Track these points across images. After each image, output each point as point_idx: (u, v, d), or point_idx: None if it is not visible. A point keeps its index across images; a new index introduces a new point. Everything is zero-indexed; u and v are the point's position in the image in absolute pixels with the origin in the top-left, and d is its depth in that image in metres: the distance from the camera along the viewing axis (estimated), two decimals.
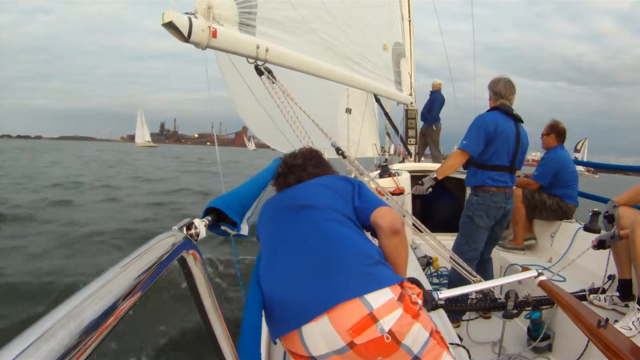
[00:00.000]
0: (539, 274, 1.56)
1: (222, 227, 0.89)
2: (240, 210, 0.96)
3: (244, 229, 0.97)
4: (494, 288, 1.83)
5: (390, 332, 0.90)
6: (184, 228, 0.69)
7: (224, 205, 0.88)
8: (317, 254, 1.03)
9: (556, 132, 3.09)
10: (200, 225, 0.73)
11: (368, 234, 1.19)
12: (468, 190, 2.81)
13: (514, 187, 3.21)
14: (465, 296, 1.88)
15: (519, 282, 1.94)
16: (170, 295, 3.81)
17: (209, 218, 0.84)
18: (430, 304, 1.31)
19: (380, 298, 0.92)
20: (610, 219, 2.00)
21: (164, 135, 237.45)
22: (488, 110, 2.46)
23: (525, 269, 1.74)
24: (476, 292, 1.79)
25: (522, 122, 2.46)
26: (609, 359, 1.06)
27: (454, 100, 6.19)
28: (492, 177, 2.36)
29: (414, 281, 1.35)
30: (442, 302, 1.44)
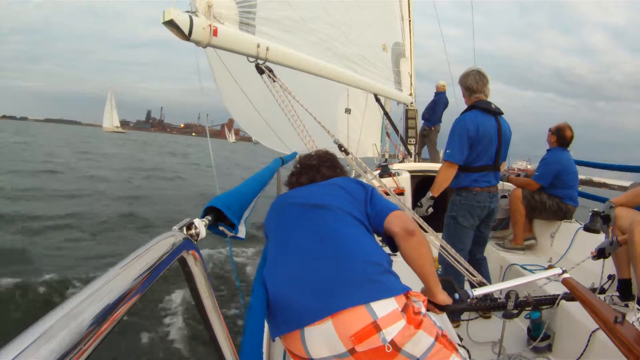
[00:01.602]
0: (563, 272, 1.59)
1: (220, 228, 0.89)
2: (239, 211, 0.95)
3: (242, 231, 0.96)
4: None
5: (392, 342, 0.90)
6: (184, 228, 0.69)
7: (223, 205, 0.87)
8: (326, 256, 1.02)
9: (558, 135, 3.07)
10: (200, 225, 0.72)
11: (379, 239, 1.18)
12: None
13: (514, 188, 3.21)
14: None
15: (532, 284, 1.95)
16: (170, 295, 3.81)
17: (209, 218, 0.84)
18: (467, 302, 1.30)
19: (385, 307, 0.91)
20: (606, 219, 1.99)
21: (150, 124, 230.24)
22: (465, 110, 2.37)
23: (550, 267, 1.76)
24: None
25: (502, 113, 2.36)
26: (623, 354, 1.09)
27: (455, 103, 6.24)
28: (476, 179, 2.30)
29: (448, 282, 1.33)
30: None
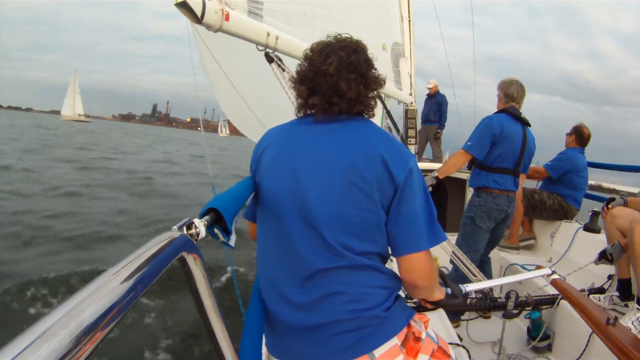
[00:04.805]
0: (553, 272, 1.60)
1: (215, 231, 0.87)
2: (234, 216, 0.93)
3: (232, 240, 0.93)
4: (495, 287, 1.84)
5: None
6: (184, 228, 0.69)
7: (223, 207, 0.86)
8: (321, 295, 0.87)
9: (577, 133, 3.14)
10: (200, 225, 0.72)
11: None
12: (470, 191, 2.80)
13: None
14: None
15: (520, 282, 1.94)
16: (170, 295, 3.81)
17: (208, 218, 0.83)
18: (461, 297, 1.30)
19: (385, 346, 0.86)
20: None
21: (155, 117, 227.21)
22: (496, 112, 2.45)
23: (539, 267, 1.77)
24: (475, 291, 1.80)
25: (530, 125, 2.44)
26: (617, 356, 1.07)
27: (455, 106, 6.28)
28: (496, 180, 2.35)
29: (439, 276, 1.30)
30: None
